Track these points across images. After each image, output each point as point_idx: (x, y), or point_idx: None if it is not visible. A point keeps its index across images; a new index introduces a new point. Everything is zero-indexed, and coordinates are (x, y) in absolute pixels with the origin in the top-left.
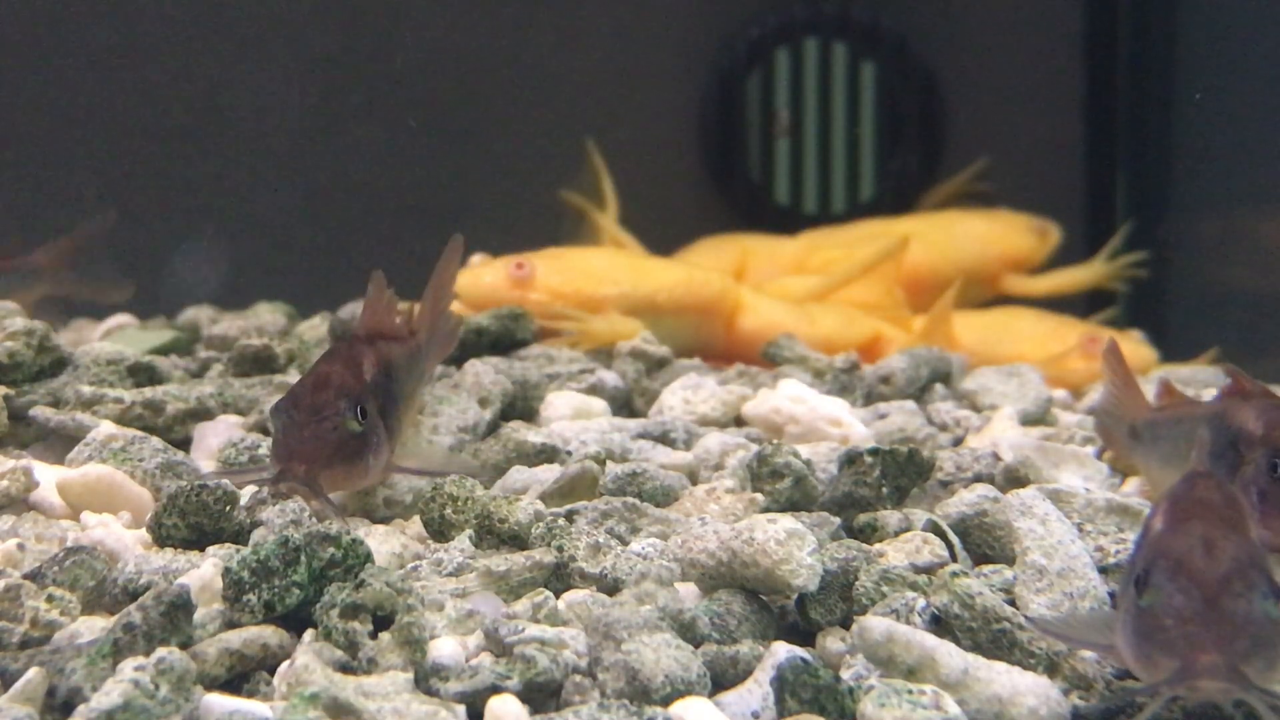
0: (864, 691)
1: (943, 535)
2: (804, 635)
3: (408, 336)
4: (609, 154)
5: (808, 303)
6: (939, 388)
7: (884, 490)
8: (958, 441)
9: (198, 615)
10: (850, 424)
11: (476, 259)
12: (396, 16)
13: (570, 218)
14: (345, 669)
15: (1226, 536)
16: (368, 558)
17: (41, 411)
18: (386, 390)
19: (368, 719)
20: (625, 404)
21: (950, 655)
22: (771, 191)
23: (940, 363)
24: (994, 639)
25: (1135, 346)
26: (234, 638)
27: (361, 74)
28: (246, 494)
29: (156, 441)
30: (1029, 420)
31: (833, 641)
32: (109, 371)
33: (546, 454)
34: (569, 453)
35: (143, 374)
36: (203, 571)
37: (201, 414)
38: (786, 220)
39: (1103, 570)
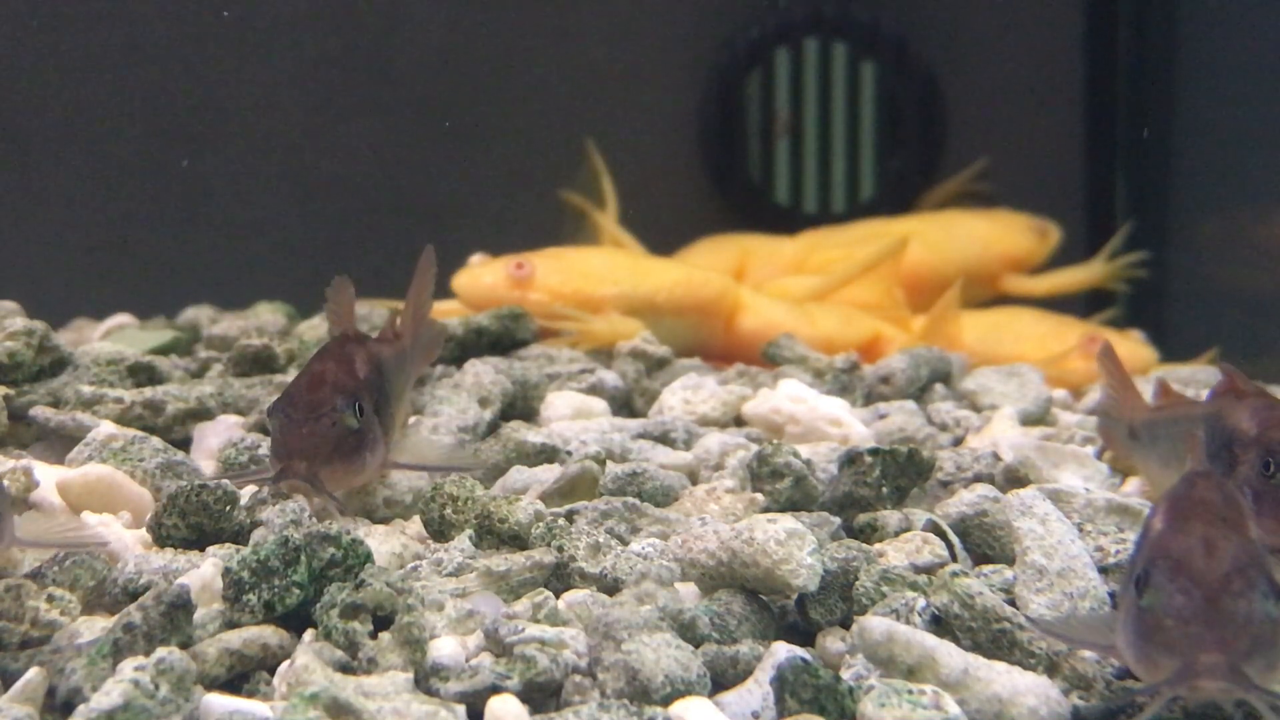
0: (864, 691)
1: (943, 535)
2: (804, 635)
3: (394, 338)
4: (609, 154)
5: (808, 303)
6: (939, 388)
7: (884, 490)
8: (958, 441)
9: (198, 615)
10: (850, 424)
11: (476, 259)
12: (396, 16)
13: (570, 218)
14: (345, 669)
15: (1226, 536)
16: (368, 558)
17: (41, 411)
18: (379, 388)
19: (368, 719)
20: (625, 404)
21: (950, 655)
22: (771, 191)
23: (940, 363)
24: (994, 639)
25: (1135, 346)
26: (234, 638)
27: (361, 74)
28: (246, 494)
29: (156, 441)
30: (1029, 420)
31: (833, 641)
32: (109, 371)
33: (546, 454)
34: (569, 453)
35: (143, 374)
36: (203, 571)
37: (201, 414)
38: (786, 220)
39: (1103, 570)
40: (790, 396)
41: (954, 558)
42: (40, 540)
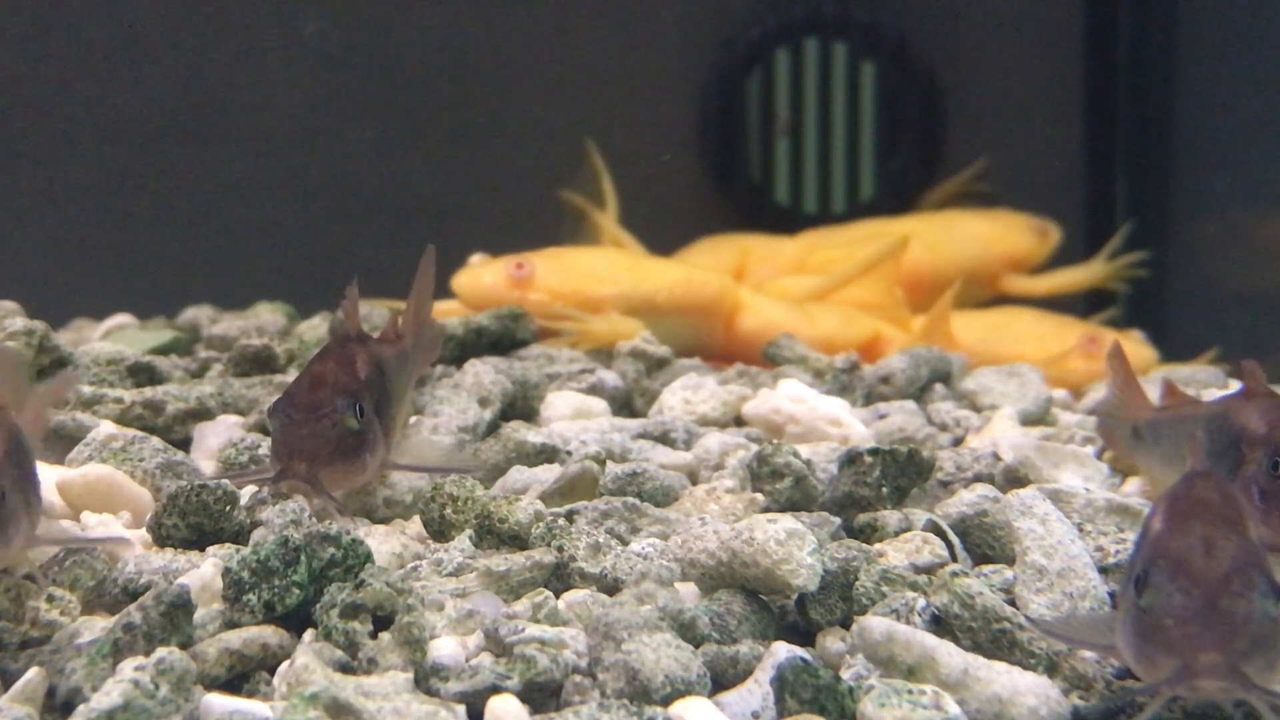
0: (864, 691)
1: (943, 535)
2: (804, 635)
3: (395, 339)
4: (609, 154)
5: (808, 303)
6: (939, 388)
7: (884, 490)
8: (958, 441)
9: (198, 615)
10: (850, 424)
11: (476, 259)
12: (396, 16)
13: (570, 218)
14: (345, 669)
15: (1226, 536)
16: (368, 558)
17: None
18: (380, 389)
19: (368, 719)
20: (625, 404)
21: (950, 655)
22: (771, 191)
23: (940, 363)
24: (994, 639)
25: (1135, 346)
26: (234, 638)
27: (361, 74)
28: (246, 494)
29: (156, 441)
30: (1029, 420)
31: (833, 641)
32: (109, 371)
33: (546, 454)
34: (569, 453)
35: (143, 374)
36: (203, 571)
37: (201, 414)
38: (786, 220)
39: (1103, 570)
40: (790, 396)
41: (954, 558)
42: (61, 538)
